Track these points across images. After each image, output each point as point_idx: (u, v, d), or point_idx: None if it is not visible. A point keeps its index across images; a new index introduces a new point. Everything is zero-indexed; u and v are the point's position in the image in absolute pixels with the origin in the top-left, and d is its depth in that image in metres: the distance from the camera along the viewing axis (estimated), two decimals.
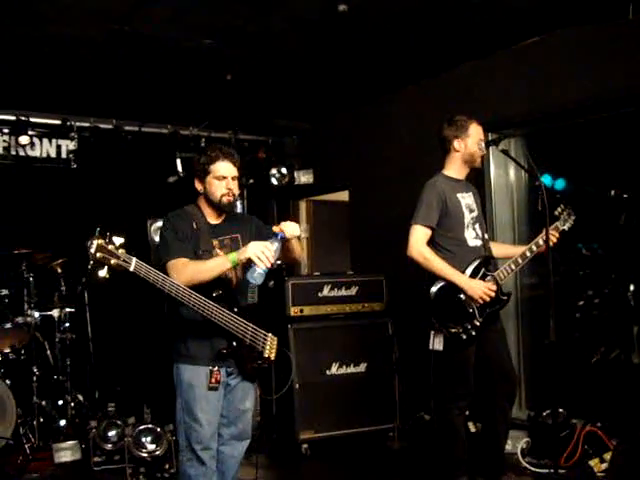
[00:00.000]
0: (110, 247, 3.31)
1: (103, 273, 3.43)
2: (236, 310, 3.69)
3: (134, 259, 3.36)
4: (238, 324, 3.67)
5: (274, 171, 7.73)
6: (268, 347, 3.81)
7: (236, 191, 3.81)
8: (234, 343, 3.69)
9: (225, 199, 3.75)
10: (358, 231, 7.46)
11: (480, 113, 5.10)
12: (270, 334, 3.84)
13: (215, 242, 3.77)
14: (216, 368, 3.67)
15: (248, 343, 3.72)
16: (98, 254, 3.28)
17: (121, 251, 3.34)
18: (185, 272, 3.55)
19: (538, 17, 5.16)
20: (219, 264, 3.57)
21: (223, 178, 3.73)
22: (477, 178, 5.52)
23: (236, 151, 3.90)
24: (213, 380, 3.67)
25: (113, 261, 3.31)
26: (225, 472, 3.90)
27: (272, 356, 3.82)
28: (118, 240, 3.38)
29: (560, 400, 5.02)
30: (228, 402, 3.81)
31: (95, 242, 3.28)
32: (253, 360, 3.77)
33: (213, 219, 3.84)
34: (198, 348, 3.71)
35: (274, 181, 7.74)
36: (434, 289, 4.37)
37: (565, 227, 4.73)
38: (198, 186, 3.81)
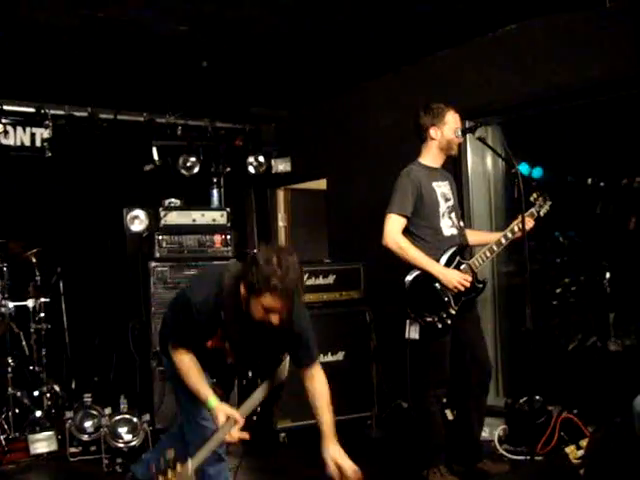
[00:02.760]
0: None
1: None
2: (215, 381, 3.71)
3: None
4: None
5: (251, 159, 7.68)
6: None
7: (279, 322, 3.24)
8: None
9: (266, 323, 3.26)
10: (336, 219, 7.44)
11: (458, 100, 5.10)
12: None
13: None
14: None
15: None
16: None
17: None
18: (183, 369, 3.48)
19: (516, 4, 5.15)
20: (198, 393, 3.44)
21: (270, 311, 3.20)
22: (454, 166, 5.52)
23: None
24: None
25: None
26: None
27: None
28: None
29: (537, 387, 5.05)
30: None
31: None
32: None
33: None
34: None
35: (251, 169, 7.70)
36: (409, 278, 4.38)
37: (541, 213, 4.74)
38: (241, 289, 3.27)
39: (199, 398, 3.44)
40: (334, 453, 3.50)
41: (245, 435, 3.37)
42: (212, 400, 3.39)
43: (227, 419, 3.34)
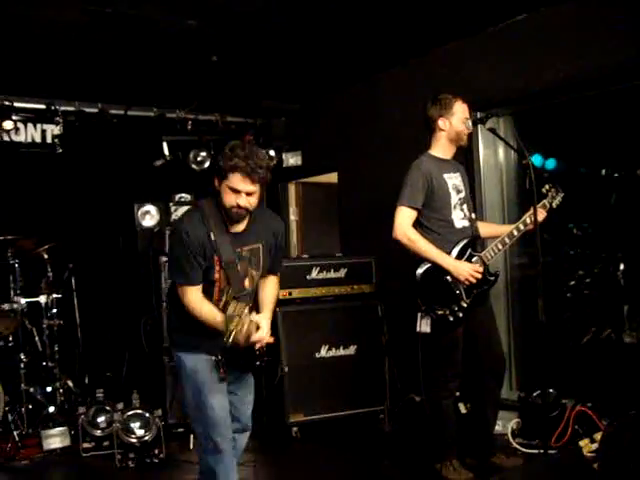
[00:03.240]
0: None
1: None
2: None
3: None
4: None
5: None
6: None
7: (251, 205, 3.49)
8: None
9: (233, 211, 3.49)
10: (347, 213, 7.41)
11: (469, 92, 5.06)
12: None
13: (234, 255, 3.57)
14: (221, 357, 3.51)
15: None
16: None
17: None
18: (196, 309, 3.53)
19: None
20: (216, 323, 3.48)
21: (236, 192, 3.44)
22: (466, 158, 5.47)
23: (265, 164, 3.50)
24: (222, 371, 3.54)
25: None
26: None
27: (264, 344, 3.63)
28: None
29: (550, 380, 5.01)
30: (232, 396, 3.76)
31: None
32: (253, 357, 3.60)
33: (233, 226, 3.60)
34: (199, 338, 3.61)
35: None
36: (420, 271, 4.36)
37: (553, 204, 4.70)
38: (215, 183, 3.54)
39: (219, 328, 3.44)
40: (260, 317, 3.60)
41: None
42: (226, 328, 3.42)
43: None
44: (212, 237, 3.50)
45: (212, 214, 3.54)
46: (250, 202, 3.47)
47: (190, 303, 3.55)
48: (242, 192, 3.42)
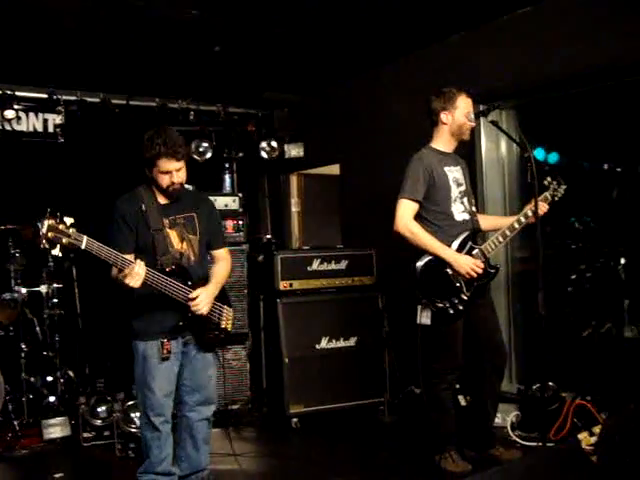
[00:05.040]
0: (61, 227, 3.49)
1: (56, 252, 3.52)
2: (190, 284, 3.92)
3: (85, 237, 3.56)
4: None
5: (264, 144, 7.65)
6: (224, 319, 4.12)
7: (182, 179, 3.96)
8: (189, 315, 3.92)
9: (171, 189, 3.94)
10: (348, 205, 7.41)
11: (471, 84, 5.06)
12: (225, 306, 4.14)
13: (166, 221, 3.98)
14: (166, 340, 3.90)
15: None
16: (50, 234, 3.45)
17: (72, 230, 3.51)
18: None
19: None
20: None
21: (167, 172, 3.88)
22: (468, 151, 5.46)
23: (183, 141, 3.96)
24: (164, 351, 3.91)
25: (64, 240, 3.48)
26: (195, 435, 4.17)
27: (229, 327, 4.15)
28: (69, 220, 3.52)
29: (550, 374, 5.04)
30: (191, 372, 4.09)
31: (46, 222, 3.45)
32: (210, 331, 4.06)
33: (163, 199, 4.03)
34: (150, 323, 3.97)
35: (264, 154, 7.66)
36: (420, 264, 4.36)
37: (555, 197, 4.69)
38: (146, 172, 3.97)
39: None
40: (202, 289, 3.94)
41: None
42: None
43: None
44: (143, 208, 3.94)
45: (145, 193, 4.00)
46: (180, 176, 3.93)
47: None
48: (172, 171, 3.87)
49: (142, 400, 4.01)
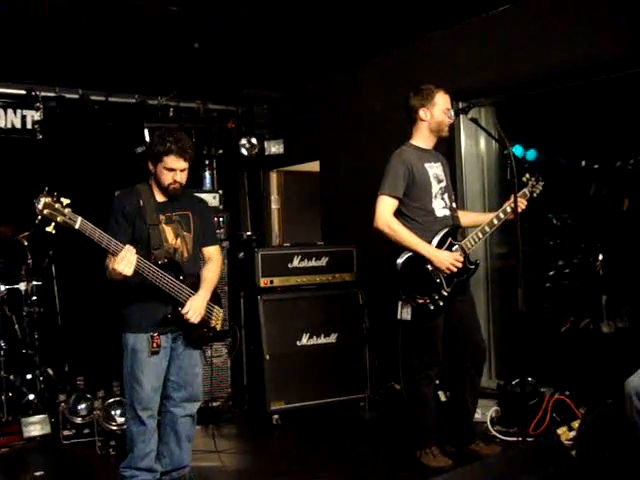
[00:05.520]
0: (57, 205, 3.50)
1: (49, 229, 3.54)
2: (181, 278, 3.99)
3: (79, 218, 3.58)
4: (183, 291, 4.00)
5: (244, 141, 7.64)
6: (214, 317, 4.19)
7: (184, 180, 4.07)
8: (179, 309, 3.97)
9: (172, 187, 4.02)
10: (329, 202, 7.42)
11: (451, 82, 5.09)
12: (216, 306, 4.22)
13: (162, 217, 4.05)
14: (156, 334, 3.95)
15: None
16: (45, 210, 3.47)
17: (67, 210, 3.53)
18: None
19: None
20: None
21: (172, 170, 3.97)
22: (448, 148, 5.49)
23: (187, 139, 4.06)
24: (154, 345, 3.95)
25: (59, 218, 3.51)
26: (178, 431, 4.21)
27: (218, 326, 4.24)
28: (65, 200, 3.55)
29: (529, 369, 5.05)
30: (178, 368, 4.13)
31: (42, 199, 3.48)
32: (198, 328, 4.08)
33: (161, 197, 4.10)
34: (141, 316, 4.00)
35: (244, 151, 7.65)
36: (400, 260, 4.38)
37: (534, 194, 4.73)
38: (150, 167, 4.06)
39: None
40: (194, 298, 4.03)
41: None
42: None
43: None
44: (141, 203, 4.00)
45: (144, 190, 4.07)
46: (183, 177, 4.04)
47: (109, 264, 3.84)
48: (177, 170, 3.97)
49: (130, 394, 4.04)
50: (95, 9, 5.20)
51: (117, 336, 6.02)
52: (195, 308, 3.99)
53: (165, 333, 4.01)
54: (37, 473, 4.83)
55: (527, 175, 4.72)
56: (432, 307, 4.35)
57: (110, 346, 6.59)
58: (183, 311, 3.96)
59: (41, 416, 5.61)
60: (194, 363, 4.18)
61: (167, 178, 3.99)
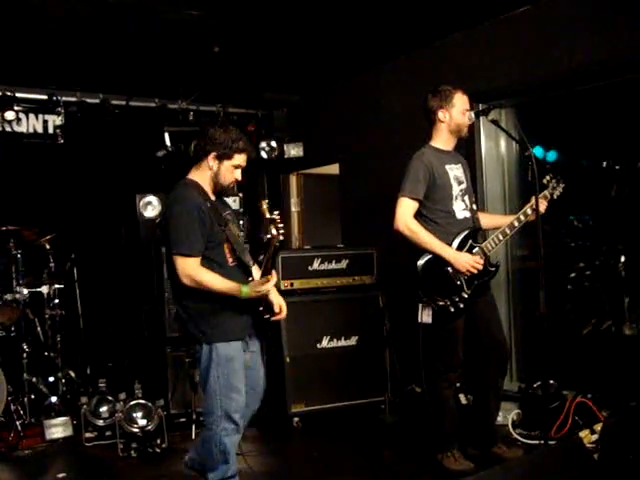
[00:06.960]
0: None
1: None
2: (250, 278, 3.90)
3: None
4: None
5: (263, 144, 7.66)
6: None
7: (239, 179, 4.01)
8: (261, 307, 3.91)
9: (232, 185, 4.02)
10: (349, 204, 7.42)
11: (471, 83, 5.07)
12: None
13: (227, 216, 3.96)
14: (249, 337, 3.93)
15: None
16: None
17: None
18: (200, 277, 3.72)
19: None
20: (232, 290, 3.74)
21: (238, 167, 3.92)
22: (467, 149, 5.48)
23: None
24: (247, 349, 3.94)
25: None
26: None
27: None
28: None
29: (551, 372, 5.03)
30: (251, 370, 4.01)
31: None
32: (266, 312, 3.95)
33: (212, 196, 3.97)
34: (234, 322, 3.85)
35: (264, 154, 7.68)
36: (421, 262, 4.36)
37: (554, 195, 4.70)
38: (211, 162, 3.88)
39: (234, 293, 3.72)
40: (276, 295, 4.01)
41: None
42: (244, 287, 3.72)
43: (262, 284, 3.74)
44: (208, 205, 3.85)
45: (198, 188, 3.89)
46: (240, 176, 3.99)
47: (194, 276, 3.71)
48: (242, 168, 3.95)
49: (225, 405, 3.80)
50: (115, 14, 5.23)
51: (138, 339, 6.07)
52: (284, 303, 4.01)
53: (250, 335, 3.97)
54: (59, 475, 4.88)
55: (548, 177, 4.68)
56: (452, 309, 4.33)
57: (132, 349, 6.70)
58: (277, 309, 3.94)
59: (63, 418, 5.66)
60: (261, 361, 4.12)
61: (230, 177, 3.90)
